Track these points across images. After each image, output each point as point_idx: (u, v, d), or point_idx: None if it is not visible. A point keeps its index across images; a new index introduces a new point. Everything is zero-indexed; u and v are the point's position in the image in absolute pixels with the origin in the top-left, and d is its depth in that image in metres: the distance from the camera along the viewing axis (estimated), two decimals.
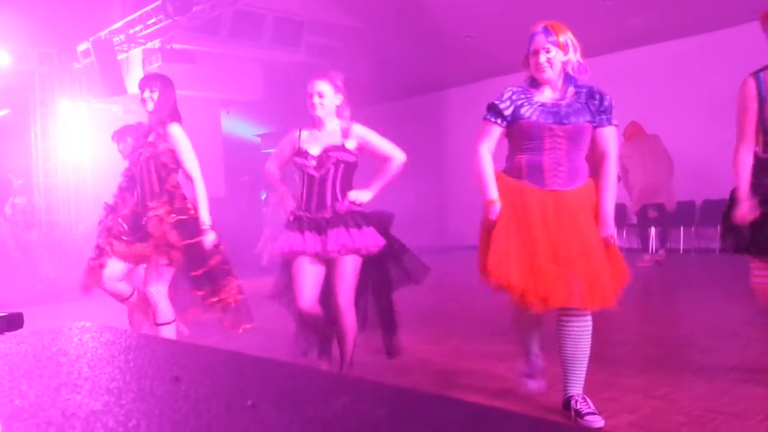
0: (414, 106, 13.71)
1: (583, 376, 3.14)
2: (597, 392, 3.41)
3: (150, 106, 4.04)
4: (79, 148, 10.38)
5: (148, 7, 8.87)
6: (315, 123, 3.89)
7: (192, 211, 4.00)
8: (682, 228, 9.90)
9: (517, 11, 9.92)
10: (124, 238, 4.24)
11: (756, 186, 3.44)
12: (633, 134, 8.83)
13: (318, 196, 3.78)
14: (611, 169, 3.16)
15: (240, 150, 16.05)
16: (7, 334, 1.40)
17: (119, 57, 9.71)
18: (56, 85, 10.25)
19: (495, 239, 3.12)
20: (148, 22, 9.04)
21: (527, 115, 3.12)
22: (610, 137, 3.17)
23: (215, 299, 4.03)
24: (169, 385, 0.98)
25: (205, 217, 3.95)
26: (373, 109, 14.67)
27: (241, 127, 16.18)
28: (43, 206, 10.24)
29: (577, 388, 3.13)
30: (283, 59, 11.55)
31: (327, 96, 3.79)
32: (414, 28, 11.17)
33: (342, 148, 3.79)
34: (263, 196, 15.08)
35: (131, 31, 9.38)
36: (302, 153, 3.81)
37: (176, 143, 3.99)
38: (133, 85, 10.60)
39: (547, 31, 3.16)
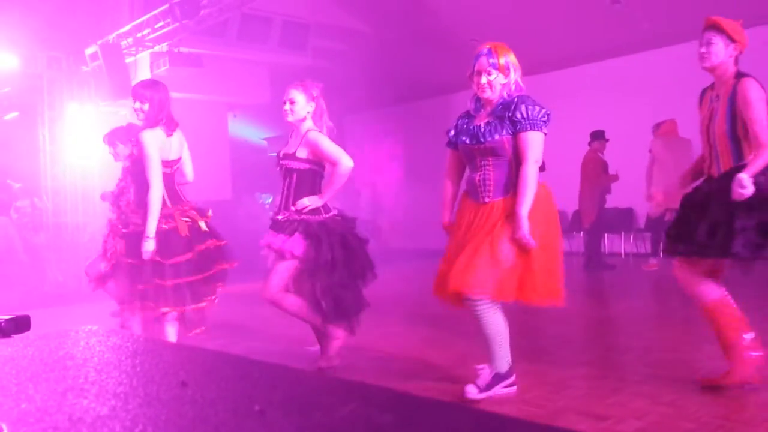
0: (421, 109, 13.71)
1: (499, 354, 3.42)
2: (604, 397, 3.40)
3: (140, 116, 4.10)
4: (87, 151, 10.40)
5: (156, 11, 8.89)
6: (291, 128, 4.15)
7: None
8: None
9: (523, 15, 9.92)
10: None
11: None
12: (667, 132, 8.55)
13: (280, 200, 4.15)
14: (527, 173, 3.33)
15: (247, 153, 16.08)
16: (15, 336, 1.40)
17: (127, 60, 9.73)
18: (64, 88, 10.27)
19: None
20: (156, 26, 9.06)
21: (462, 138, 3.52)
22: (526, 143, 3.35)
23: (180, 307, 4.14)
24: (176, 390, 0.97)
25: (150, 227, 3.96)
26: (380, 112, 14.70)
27: (248, 131, 16.21)
28: (51, 209, 10.26)
29: (494, 364, 3.43)
30: (290, 62, 11.56)
31: (298, 104, 4.02)
32: (421, 31, 11.17)
33: (293, 156, 4.05)
34: (269, 200, 15.07)
35: (139, 35, 9.40)
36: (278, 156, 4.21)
37: (141, 150, 4.02)
38: None
39: (490, 53, 3.42)
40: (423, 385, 3.87)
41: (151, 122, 4.06)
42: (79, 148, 10.35)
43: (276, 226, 4.09)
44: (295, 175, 4.04)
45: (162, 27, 8.99)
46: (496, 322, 3.36)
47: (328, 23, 11.50)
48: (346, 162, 4.01)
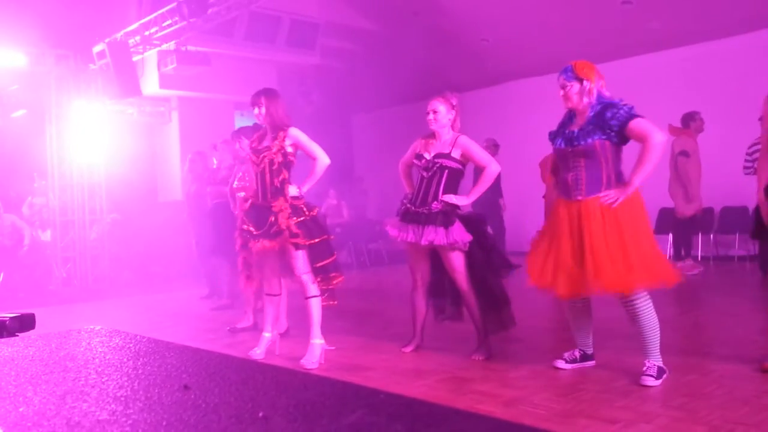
0: None
1: (657, 345, 3.69)
2: (614, 401, 3.37)
3: (260, 119, 4.59)
4: (94, 149, 10.40)
5: (164, 9, 8.87)
6: (433, 133, 4.61)
7: (306, 210, 4.45)
8: (700, 235, 9.69)
9: (533, 14, 9.87)
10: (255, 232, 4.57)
11: None
12: (698, 129, 8.26)
13: (423, 194, 4.49)
14: (655, 145, 3.59)
15: None
16: (18, 335, 1.38)
17: (134, 59, 9.73)
18: (72, 86, 10.26)
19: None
20: (164, 24, 9.04)
21: (556, 143, 3.87)
22: (639, 126, 3.60)
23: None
24: (178, 394, 0.95)
25: (305, 188, 4.49)
26: (388, 111, 14.64)
27: None
28: (58, 207, 10.26)
29: (654, 357, 3.67)
30: (298, 61, 11.54)
31: (440, 113, 4.52)
32: (430, 31, 11.13)
33: (448, 156, 4.50)
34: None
35: (147, 33, 9.39)
36: (418, 157, 4.61)
37: (299, 141, 4.50)
38: (148, 86, 10.63)
39: (566, 69, 3.84)
40: (429, 384, 3.85)
41: (286, 121, 4.54)
42: (86, 147, 10.35)
43: (417, 218, 4.45)
44: (446, 173, 4.46)
45: (170, 25, 8.98)
46: (653, 314, 3.65)
47: (337, 22, 11.48)
48: (494, 167, 4.51)
